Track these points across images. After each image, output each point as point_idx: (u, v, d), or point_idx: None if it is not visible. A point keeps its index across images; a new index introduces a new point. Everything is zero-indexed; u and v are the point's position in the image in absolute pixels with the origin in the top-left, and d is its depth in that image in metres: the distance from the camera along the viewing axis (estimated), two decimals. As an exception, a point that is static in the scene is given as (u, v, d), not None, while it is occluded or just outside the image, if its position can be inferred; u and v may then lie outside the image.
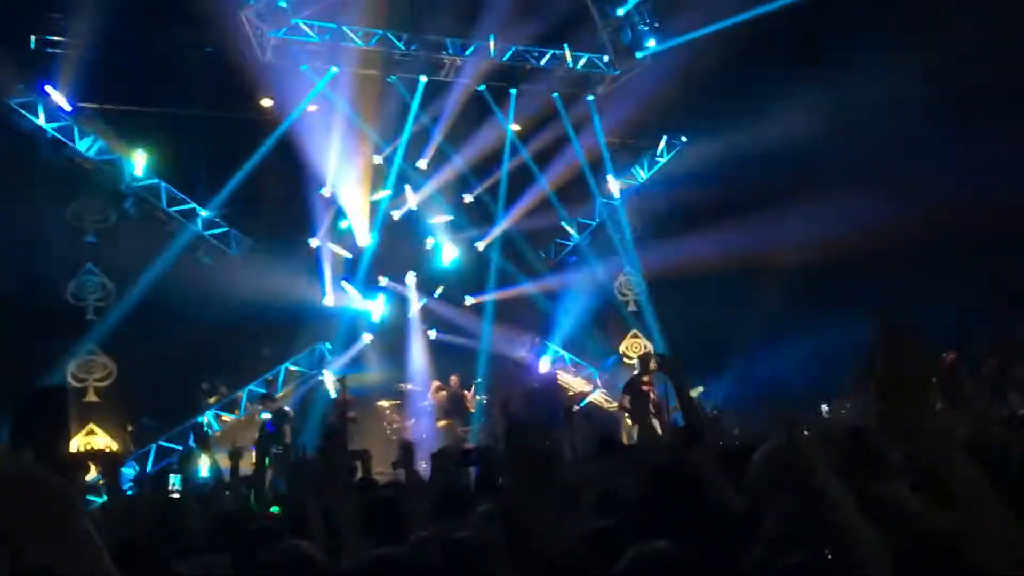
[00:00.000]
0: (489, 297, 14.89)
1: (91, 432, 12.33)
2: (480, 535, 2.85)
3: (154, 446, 12.22)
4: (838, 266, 13.58)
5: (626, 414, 11.63)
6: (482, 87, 14.66)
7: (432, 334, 14.56)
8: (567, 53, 14.85)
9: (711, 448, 3.94)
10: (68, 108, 12.59)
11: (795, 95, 13.04)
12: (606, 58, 15.15)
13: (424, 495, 4.27)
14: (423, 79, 14.20)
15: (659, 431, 10.02)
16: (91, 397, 12.55)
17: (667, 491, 3.58)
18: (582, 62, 15.04)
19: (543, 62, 14.82)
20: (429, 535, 2.98)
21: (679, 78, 14.42)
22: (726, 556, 2.60)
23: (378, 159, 14.32)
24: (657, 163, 16.10)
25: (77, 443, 11.87)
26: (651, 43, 14.78)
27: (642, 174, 16.13)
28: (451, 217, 14.92)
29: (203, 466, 10.51)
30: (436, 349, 14.40)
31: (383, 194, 14.40)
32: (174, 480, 6.36)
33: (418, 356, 14.33)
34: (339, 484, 3.56)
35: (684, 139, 15.87)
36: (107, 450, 10.66)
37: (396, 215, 14.47)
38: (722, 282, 14.28)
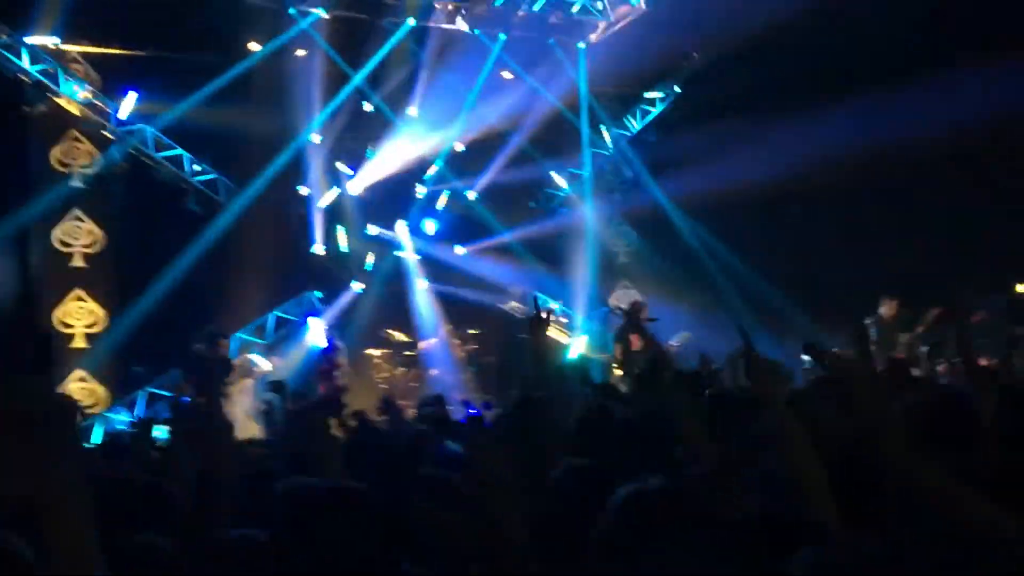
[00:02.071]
0: (479, 247, 14.86)
1: (82, 379, 12.32)
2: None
3: (142, 394, 12.23)
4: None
5: (616, 366, 11.68)
6: (476, 31, 14.43)
7: (424, 283, 14.58)
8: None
9: (684, 398, 3.89)
10: (50, 50, 12.41)
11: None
12: (600, 4, 14.90)
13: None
14: (411, 22, 13.95)
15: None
16: (79, 343, 12.53)
17: (637, 439, 3.55)
18: (576, 8, 14.79)
19: (536, 7, 14.57)
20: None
21: (674, 25, 14.24)
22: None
23: (368, 105, 14.14)
24: (650, 113, 15.95)
25: (66, 388, 11.89)
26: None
27: (634, 123, 15.98)
28: (440, 165, 14.81)
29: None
30: (428, 299, 14.45)
31: (372, 142, 14.27)
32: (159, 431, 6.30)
33: (415, 305, 14.38)
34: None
35: (677, 88, 15.70)
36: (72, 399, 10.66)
37: (385, 162, 14.33)
38: (716, 228, 14.34)
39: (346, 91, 13.78)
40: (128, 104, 12.82)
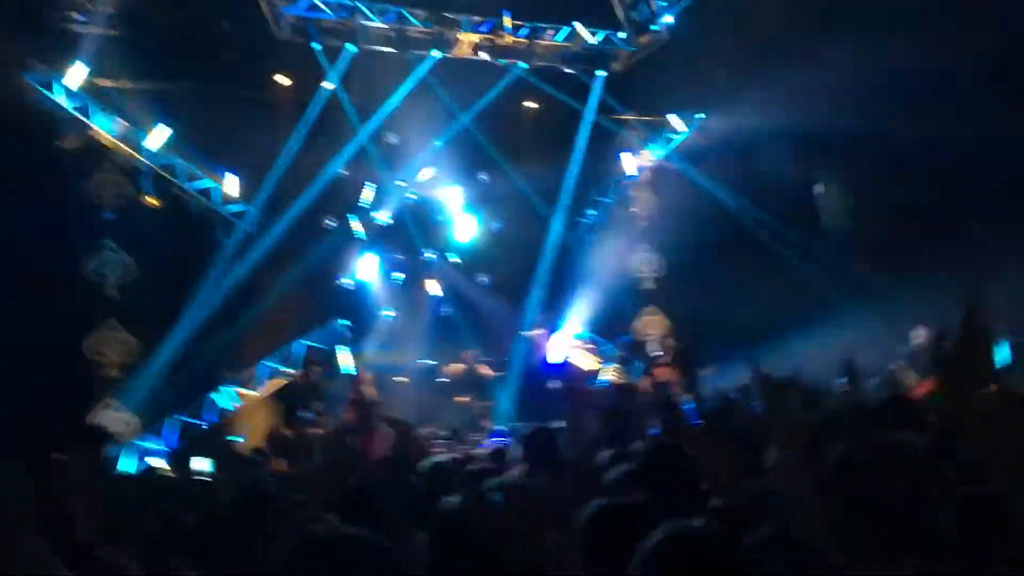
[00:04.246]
0: (504, 274, 14.93)
1: (113, 408, 12.48)
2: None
3: (170, 422, 12.35)
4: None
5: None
6: (501, 61, 14.58)
7: (450, 310, 14.69)
8: (582, 29, 14.73)
9: (712, 434, 3.92)
10: (84, 84, 12.69)
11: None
12: (622, 34, 15.02)
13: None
14: (435, 54, 14.13)
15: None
16: (111, 372, 12.71)
17: (659, 477, 3.56)
18: (598, 38, 14.93)
19: (559, 38, 14.72)
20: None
21: (698, 54, 14.31)
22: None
23: (392, 138, 14.34)
24: (673, 140, 15.98)
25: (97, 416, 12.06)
26: (667, 19, 14.64)
27: (658, 151, 16.01)
28: (465, 196, 14.95)
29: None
30: (452, 326, 14.53)
31: (398, 173, 14.47)
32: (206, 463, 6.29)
33: (441, 332, 14.45)
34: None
35: (702, 115, 15.73)
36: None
37: (413, 194, 14.50)
38: (740, 262, 14.23)
39: (372, 124, 14.01)
40: (159, 136, 13.05)
